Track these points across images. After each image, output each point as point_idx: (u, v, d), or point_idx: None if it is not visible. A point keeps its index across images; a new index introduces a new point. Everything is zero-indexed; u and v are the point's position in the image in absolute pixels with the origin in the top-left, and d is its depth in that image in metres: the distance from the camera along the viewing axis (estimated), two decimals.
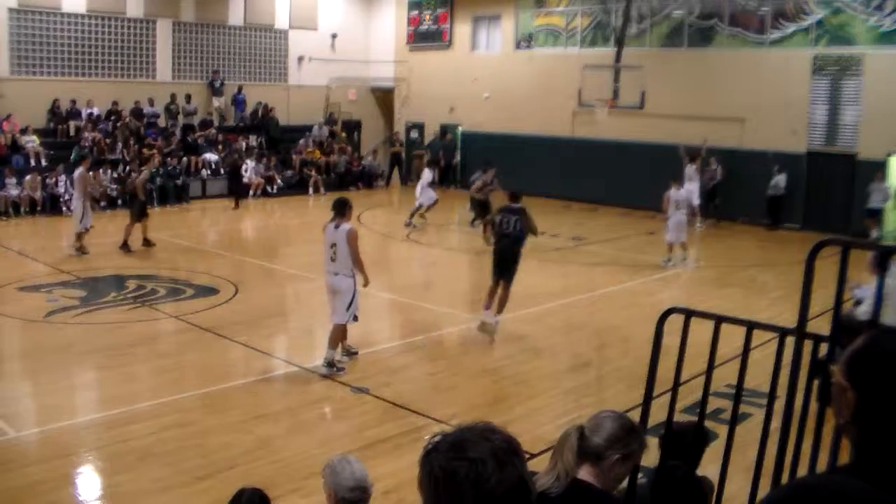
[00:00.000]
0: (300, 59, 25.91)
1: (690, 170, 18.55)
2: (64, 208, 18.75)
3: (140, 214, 14.68)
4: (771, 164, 18.65)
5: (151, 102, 22.50)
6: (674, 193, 14.25)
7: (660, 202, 14.45)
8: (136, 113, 22.24)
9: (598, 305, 11.72)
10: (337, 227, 8.31)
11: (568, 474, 2.47)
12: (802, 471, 2.72)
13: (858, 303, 6.91)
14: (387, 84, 27.58)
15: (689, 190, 16.57)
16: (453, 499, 1.48)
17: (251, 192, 22.10)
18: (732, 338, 3.16)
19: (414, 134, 27.22)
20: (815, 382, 2.89)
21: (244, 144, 23.47)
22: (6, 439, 6.64)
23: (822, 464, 2.50)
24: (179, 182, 20.75)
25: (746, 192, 19.06)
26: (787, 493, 1.58)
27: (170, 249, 14.85)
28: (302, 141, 24.75)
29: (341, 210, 8.38)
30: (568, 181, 22.08)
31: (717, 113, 19.46)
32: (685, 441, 3.56)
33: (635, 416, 3.20)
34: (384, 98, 28.20)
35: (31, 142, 19.87)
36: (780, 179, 18.56)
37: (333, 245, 8.30)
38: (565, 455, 2.51)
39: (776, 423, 2.88)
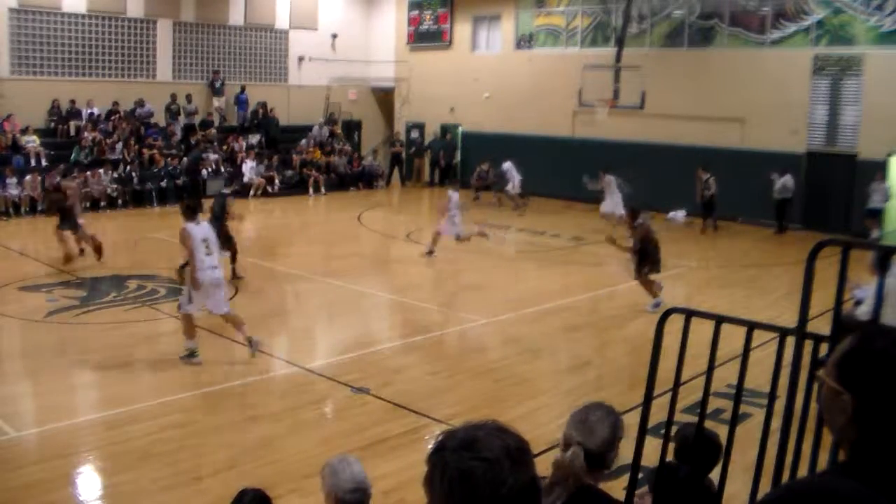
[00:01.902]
0: (300, 59, 25.91)
1: (614, 183, 17.73)
2: None
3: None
4: (769, 171, 18.04)
5: (142, 103, 22.36)
6: None
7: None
8: (136, 113, 22.24)
9: (598, 305, 11.72)
10: (198, 223, 8.84)
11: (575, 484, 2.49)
12: (803, 471, 2.71)
13: (859, 303, 6.90)
14: (387, 84, 27.58)
15: (615, 202, 16.82)
16: (468, 499, 1.44)
17: (251, 192, 22.11)
18: (733, 338, 3.16)
19: (414, 134, 27.21)
20: (816, 383, 2.89)
21: (243, 144, 23.48)
22: (6, 439, 6.63)
23: (823, 464, 2.49)
24: (180, 182, 20.73)
25: (746, 192, 19.05)
26: (783, 495, 1.57)
27: (170, 249, 14.82)
28: (303, 141, 24.75)
29: (195, 211, 9.00)
30: (568, 181, 22.06)
31: (717, 113, 19.46)
32: (699, 448, 3.54)
33: (635, 416, 3.20)
34: (384, 98, 28.20)
35: (32, 142, 19.86)
36: (787, 181, 17.98)
37: (205, 240, 8.76)
38: (576, 476, 2.50)
39: (776, 424, 2.88)
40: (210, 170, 21.87)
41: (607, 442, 2.61)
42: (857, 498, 1.43)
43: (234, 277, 12.43)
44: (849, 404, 1.53)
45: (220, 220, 12.46)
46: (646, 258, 11.24)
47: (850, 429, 1.54)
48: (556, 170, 22.39)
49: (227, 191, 13.45)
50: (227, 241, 12.44)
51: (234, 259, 12.55)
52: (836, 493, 1.45)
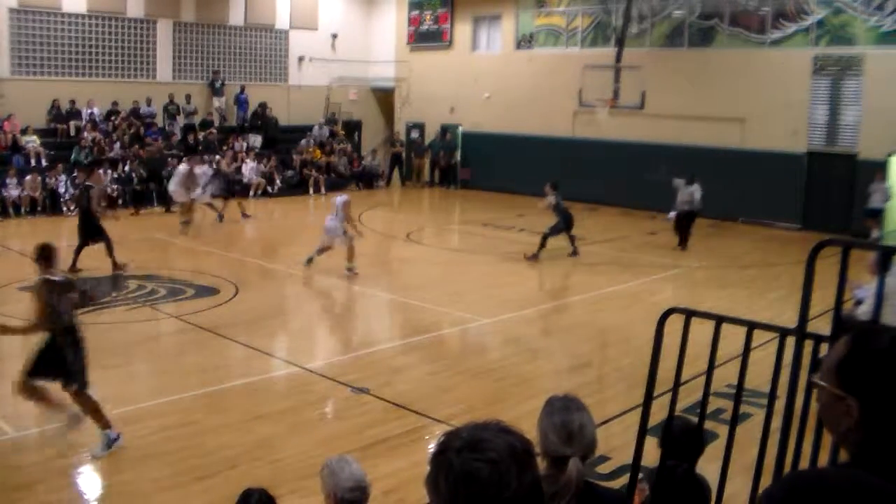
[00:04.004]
0: (300, 59, 25.91)
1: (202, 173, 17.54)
2: (64, 208, 18.76)
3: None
4: (668, 173, 16.31)
5: (149, 102, 22.45)
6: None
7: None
8: (136, 113, 22.24)
9: (598, 305, 11.71)
10: None
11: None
12: None
13: (859, 303, 6.90)
14: (387, 84, 27.57)
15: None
16: (473, 500, 1.43)
17: (251, 193, 22.10)
18: (733, 338, 3.16)
19: (414, 134, 27.22)
20: (815, 389, 2.88)
21: (243, 144, 23.47)
22: (6, 439, 6.64)
23: (823, 463, 2.49)
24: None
25: (746, 192, 19.05)
26: (793, 484, 1.54)
27: (170, 249, 14.83)
28: (303, 141, 24.75)
29: None
30: (568, 181, 21.97)
31: (717, 113, 19.46)
32: (683, 440, 3.57)
33: (636, 416, 3.20)
34: (385, 98, 28.20)
35: (32, 142, 19.87)
36: (694, 191, 15.41)
37: None
38: (579, 482, 2.48)
39: (777, 423, 2.88)
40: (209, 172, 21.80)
41: (594, 438, 2.62)
42: (873, 488, 1.41)
43: (115, 269, 12.42)
44: (854, 408, 1.49)
45: (87, 212, 12.54)
46: None
47: (855, 431, 1.51)
48: (556, 170, 22.34)
49: (90, 183, 13.25)
50: (97, 234, 12.48)
51: (110, 251, 12.46)
52: (849, 482, 1.43)
